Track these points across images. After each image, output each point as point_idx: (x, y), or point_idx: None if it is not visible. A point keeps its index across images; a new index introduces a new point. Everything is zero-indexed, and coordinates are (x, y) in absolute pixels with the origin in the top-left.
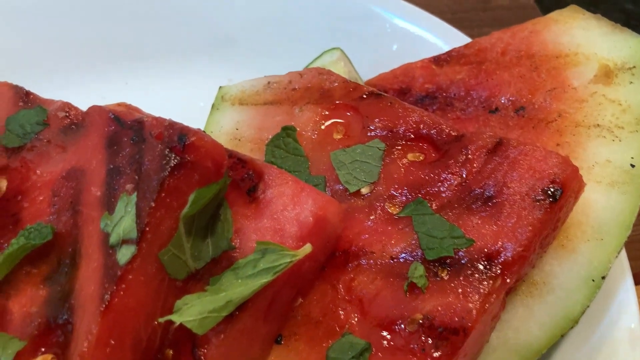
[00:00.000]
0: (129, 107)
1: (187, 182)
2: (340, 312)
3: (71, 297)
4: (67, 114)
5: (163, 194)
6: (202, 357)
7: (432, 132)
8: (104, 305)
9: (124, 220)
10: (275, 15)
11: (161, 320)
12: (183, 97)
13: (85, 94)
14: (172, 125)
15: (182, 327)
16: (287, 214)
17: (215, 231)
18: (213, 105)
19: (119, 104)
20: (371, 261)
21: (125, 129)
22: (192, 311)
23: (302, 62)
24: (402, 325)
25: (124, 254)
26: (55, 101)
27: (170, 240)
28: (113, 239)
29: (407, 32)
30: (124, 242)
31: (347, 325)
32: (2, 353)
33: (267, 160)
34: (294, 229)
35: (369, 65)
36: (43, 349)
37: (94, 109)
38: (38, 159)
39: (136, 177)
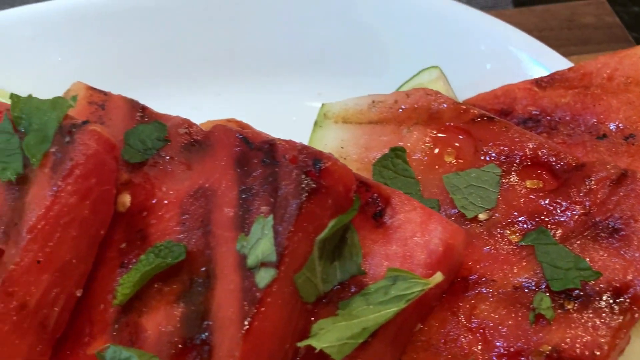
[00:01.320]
0: (240, 124)
1: (321, 206)
2: (463, 339)
3: (208, 318)
4: (187, 131)
5: (300, 218)
6: None
7: (551, 159)
8: (245, 329)
9: (261, 242)
10: (364, 33)
11: (301, 344)
12: (274, 110)
13: (176, 104)
14: (305, 148)
15: (310, 351)
16: (417, 240)
17: (342, 255)
18: (316, 123)
19: (229, 120)
20: (492, 290)
21: (253, 150)
22: (330, 337)
23: (392, 79)
24: (529, 357)
25: (263, 277)
26: (172, 116)
27: (302, 263)
28: (251, 261)
29: (501, 51)
30: (263, 264)
31: (471, 354)
32: None
33: (374, 180)
34: (423, 257)
35: (462, 84)
36: None
37: (218, 128)
38: (162, 175)
39: (271, 199)
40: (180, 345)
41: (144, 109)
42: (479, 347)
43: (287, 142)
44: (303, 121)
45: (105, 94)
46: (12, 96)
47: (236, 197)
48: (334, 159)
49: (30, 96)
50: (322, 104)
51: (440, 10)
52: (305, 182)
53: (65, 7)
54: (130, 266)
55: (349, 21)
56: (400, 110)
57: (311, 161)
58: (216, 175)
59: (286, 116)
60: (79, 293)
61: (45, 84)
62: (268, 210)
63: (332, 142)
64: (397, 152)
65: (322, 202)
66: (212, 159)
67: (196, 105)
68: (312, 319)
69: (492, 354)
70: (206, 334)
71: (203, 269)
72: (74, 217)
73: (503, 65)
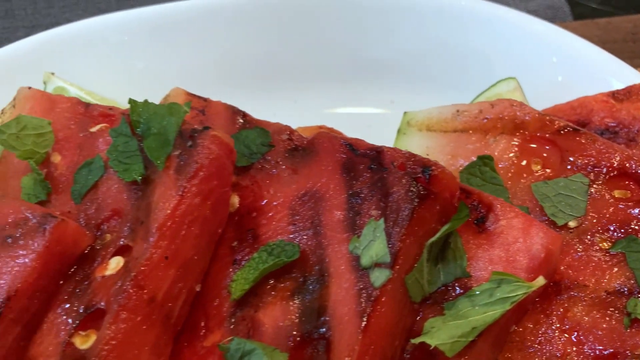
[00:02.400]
0: (331, 130)
1: (430, 212)
2: (557, 341)
3: (325, 314)
4: (289, 137)
5: (412, 223)
6: None
7: (639, 171)
8: (363, 325)
9: (374, 244)
10: (438, 43)
11: (415, 341)
12: (349, 118)
13: (256, 111)
14: (412, 156)
15: (418, 348)
16: (519, 246)
17: (445, 258)
18: (399, 130)
19: (320, 127)
20: (584, 294)
21: (359, 157)
22: (442, 335)
23: (463, 88)
24: None
25: (378, 277)
26: (272, 123)
27: (412, 265)
28: (365, 262)
29: (573, 63)
30: (377, 265)
31: (566, 355)
32: None
33: None
34: (525, 261)
35: (535, 95)
36: None
37: (323, 135)
38: (268, 178)
39: (381, 204)
40: (298, 339)
41: (244, 115)
42: (574, 349)
43: (392, 149)
44: (378, 128)
45: (204, 99)
46: (131, 101)
47: (345, 200)
48: (442, 166)
49: (146, 101)
50: (405, 112)
51: (514, 23)
52: (416, 188)
53: (152, 14)
54: (242, 263)
55: (424, 31)
56: (485, 120)
57: (420, 168)
58: (323, 179)
59: (361, 123)
60: (198, 288)
61: (131, 88)
62: (378, 214)
63: (416, 149)
64: (485, 160)
65: (430, 208)
66: (318, 164)
67: (275, 112)
68: (418, 318)
69: (588, 356)
70: (323, 329)
71: (316, 267)
72: (197, 216)
73: (575, 77)
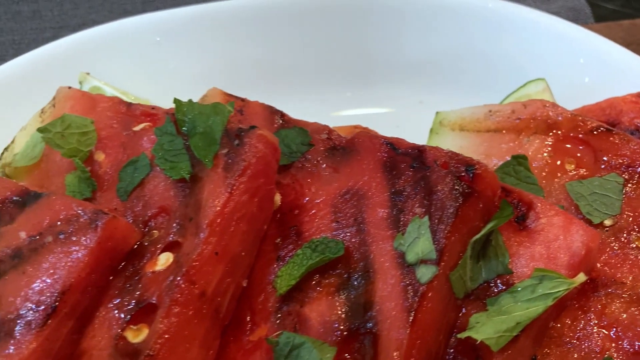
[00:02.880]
0: (366, 129)
1: (474, 209)
2: (596, 337)
3: (371, 309)
4: (328, 136)
5: (457, 221)
6: None
7: None
8: (411, 320)
9: (419, 241)
10: (465, 44)
11: (461, 336)
12: (378, 117)
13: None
14: (455, 155)
15: (461, 343)
16: (560, 243)
17: (487, 255)
18: (431, 130)
19: (355, 127)
20: (621, 291)
21: (400, 155)
22: (487, 330)
23: (493, 89)
24: None
25: (425, 273)
26: (309, 122)
27: (456, 262)
28: (411, 258)
29: (600, 65)
30: (422, 261)
31: (605, 351)
32: (323, 356)
33: None
34: (566, 258)
35: (562, 96)
36: (347, 355)
37: (362, 134)
38: (309, 177)
39: (425, 202)
40: (344, 333)
41: (282, 114)
42: (613, 344)
43: (434, 148)
44: (406, 128)
45: (242, 99)
46: (176, 101)
47: (388, 198)
48: (484, 164)
49: (191, 101)
50: (437, 112)
51: (542, 24)
52: (460, 186)
53: (184, 15)
54: (286, 260)
55: (452, 33)
56: (518, 120)
57: (463, 167)
58: (365, 178)
59: (390, 123)
60: (244, 283)
61: (163, 89)
62: (423, 211)
63: (450, 149)
64: (519, 160)
65: (474, 206)
66: (359, 163)
67: (304, 113)
68: (460, 314)
69: (627, 352)
70: (370, 323)
71: (360, 264)
72: (245, 213)
73: (602, 78)
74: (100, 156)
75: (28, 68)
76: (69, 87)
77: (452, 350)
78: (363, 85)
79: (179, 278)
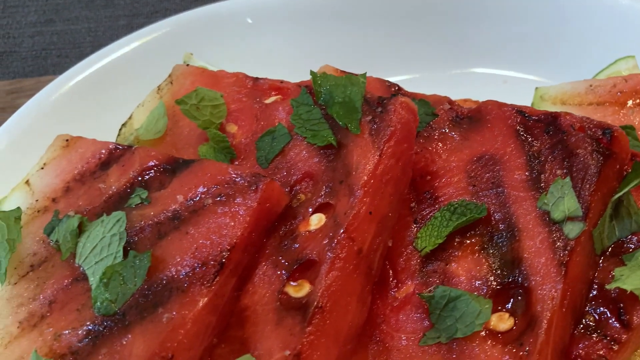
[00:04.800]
0: (476, 103)
1: (612, 170)
2: None
3: (519, 265)
4: (450, 107)
5: (599, 181)
6: (631, 321)
7: None
8: (562, 273)
9: (563, 200)
10: (553, 22)
11: (609, 287)
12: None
13: None
14: (589, 120)
15: (600, 296)
16: None
17: (619, 214)
18: (533, 104)
19: (465, 100)
20: None
21: (532, 122)
22: (633, 281)
23: (581, 66)
24: None
25: (572, 229)
26: (428, 95)
27: (597, 219)
28: (557, 216)
29: None
30: (569, 219)
31: None
32: (481, 308)
33: None
34: None
35: None
36: (500, 308)
37: (490, 103)
38: (438, 145)
39: (566, 163)
40: (495, 288)
41: (399, 88)
42: None
43: (567, 114)
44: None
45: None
46: (312, 73)
47: (525, 162)
48: (619, 128)
49: (325, 73)
50: (536, 88)
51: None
52: (600, 148)
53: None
54: (422, 222)
55: (538, 13)
56: (619, 93)
57: (600, 130)
58: (497, 144)
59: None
60: (390, 243)
61: (263, 69)
62: (564, 173)
63: None
64: (628, 130)
65: (612, 167)
66: (490, 130)
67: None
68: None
69: None
70: (519, 278)
71: (502, 224)
72: (392, 176)
73: None
74: (232, 128)
75: (139, 49)
76: (187, 65)
77: (592, 303)
78: (448, 66)
79: (339, 235)
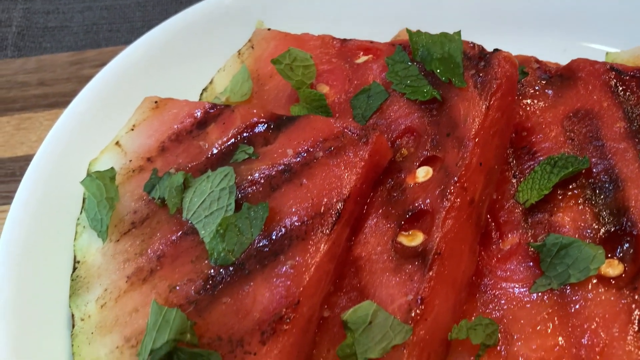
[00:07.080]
0: (555, 64)
1: None
2: None
3: (626, 213)
4: (539, 65)
5: None
6: None
7: None
8: None
9: None
10: None
11: None
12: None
13: None
14: None
15: None
16: None
17: None
18: None
19: (528, 57)
20: None
21: (627, 77)
22: None
23: (630, 36)
24: None
25: None
26: (522, 55)
27: None
28: None
29: None
30: None
31: None
32: (595, 253)
33: None
34: None
35: None
36: (609, 255)
37: (582, 61)
38: (531, 102)
39: None
40: (604, 236)
41: (483, 48)
42: None
43: None
44: None
45: None
46: (408, 31)
47: (623, 116)
48: None
49: (419, 31)
50: (607, 53)
51: None
52: None
53: None
54: (522, 176)
55: None
56: None
57: None
58: (593, 98)
59: None
60: (494, 196)
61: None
62: None
63: None
64: None
65: None
66: (585, 86)
67: None
68: None
69: None
70: (626, 226)
71: (603, 175)
72: (498, 128)
73: None
74: (323, 88)
75: (212, 15)
76: (269, 29)
77: None
78: (503, 34)
79: (453, 185)
